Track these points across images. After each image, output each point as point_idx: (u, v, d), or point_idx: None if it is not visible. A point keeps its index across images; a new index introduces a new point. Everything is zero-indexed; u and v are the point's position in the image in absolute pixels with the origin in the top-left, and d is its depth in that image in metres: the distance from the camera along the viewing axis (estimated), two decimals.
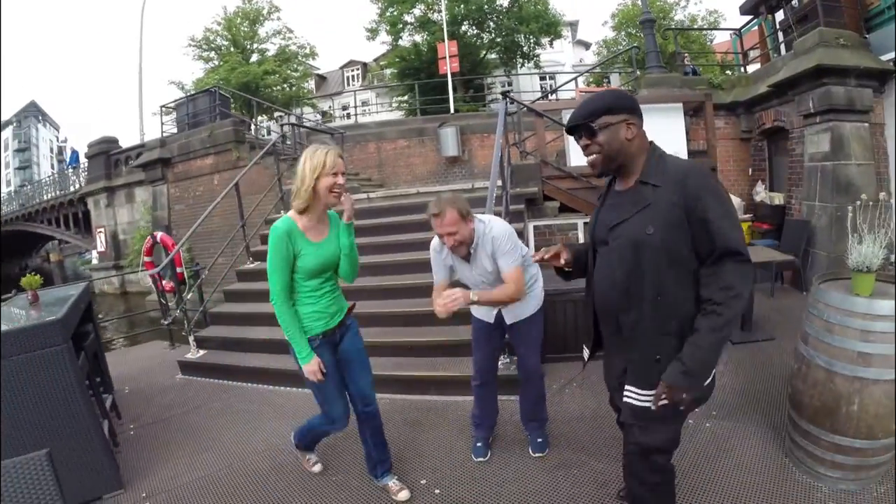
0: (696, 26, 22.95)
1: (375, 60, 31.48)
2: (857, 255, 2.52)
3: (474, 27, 22.51)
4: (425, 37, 22.12)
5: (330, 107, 30.30)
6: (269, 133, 19.61)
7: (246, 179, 6.88)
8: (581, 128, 1.87)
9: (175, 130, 13.58)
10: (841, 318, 2.46)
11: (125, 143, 17.06)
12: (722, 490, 2.68)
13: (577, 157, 5.46)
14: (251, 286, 6.19)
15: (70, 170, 21.34)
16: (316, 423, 2.92)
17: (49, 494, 1.82)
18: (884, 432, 2.42)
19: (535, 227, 6.21)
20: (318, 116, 26.07)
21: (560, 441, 3.34)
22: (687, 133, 6.81)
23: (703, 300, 1.77)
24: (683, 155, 6.52)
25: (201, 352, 5.51)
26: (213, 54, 25.41)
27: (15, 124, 56.00)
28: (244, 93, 18.62)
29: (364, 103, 19.83)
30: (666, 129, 6.51)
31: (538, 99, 13.04)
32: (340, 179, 2.44)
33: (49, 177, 25.89)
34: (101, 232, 17.10)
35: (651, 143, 1.91)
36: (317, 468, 3.17)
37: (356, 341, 2.82)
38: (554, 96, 13.68)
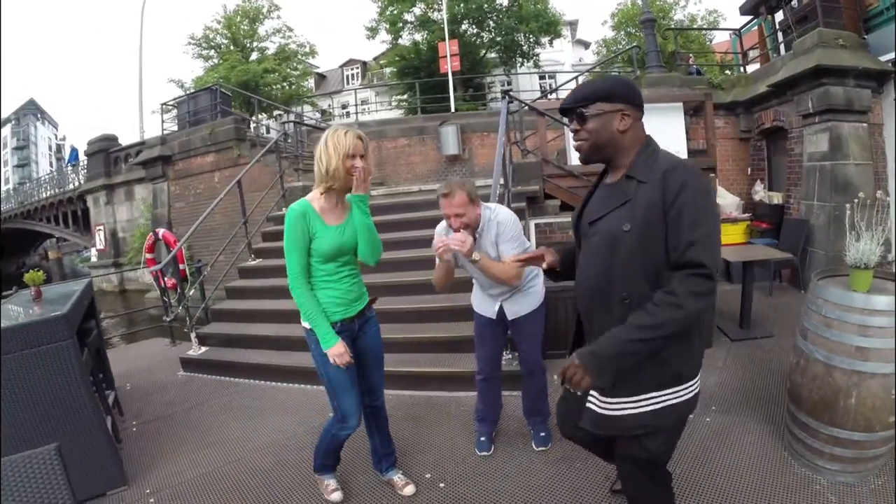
0: (695, 26, 22.98)
1: (375, 59, 31.52)
2: (855, 252, 2.56)
3: (474, 26, 22.56)
4: (425, 36, 22.17)
5: (329, 105, 30.33)
6: (268, 131, 19.64)
7: (247, 177, 6.91)
8: (572, 111, 1.79)
9: (175, 128, 13.60)
10: (839, 313, 2.49)
11: (125, 141, 17.10)
12: (722, 483, 2.71)
13: (577, 155, 5.49)
14: (253, 283, 6.22)
15: (69, 167, 21.35)
16: (328, 430, 2.74)
17: (58, 488, 1.84)
18: (881, 425, 2.46)
19: (537, 225, 6.24)
20: (318, 115, 26.08)
21: (556, 436, 3.35)
22: (687, 132, 6.84)
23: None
24: (684, 154, 6.56)
25: (203, 348, 5.51)
26: (212, 52, 25.42)
27: (13, 122, 55.95)
28: (244, 91, 18.62)
29: (363, 102, 19.81)
30: (666, 129, 6.54)
31: (538, 98, 13.07)
32: (358, 162, 2.36)
33: (48, 174, 25.89)
34: (100, 230, 17.11)
35: (648, 137, 1.81)
36: (336, 497, 2.86)
37: (377, 338, 2.76)
38: (554, 95, 13.70)
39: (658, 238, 1.64)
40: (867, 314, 2.41)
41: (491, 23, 22.45)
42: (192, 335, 5.60)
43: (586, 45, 33.84)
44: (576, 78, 15.82)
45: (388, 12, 22.60)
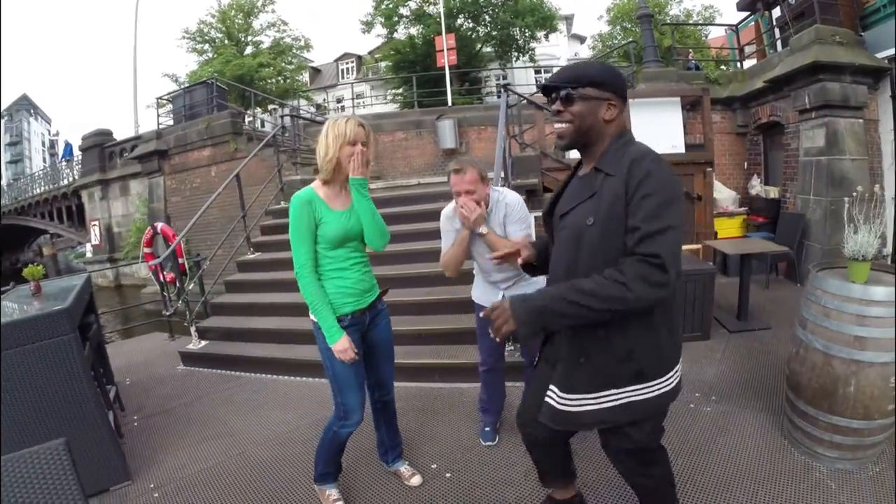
0: (692, 21, 23.03)
1: (370, 53, 31.43)
2: (854, 244, 2.61)
3: (469, 20, 22.51)
4: (420, 30, 22.11)
5: (324, 99, 30.26)
6: (263, 125, 19.58)
7: (244, 171, 6.90)
8: (557, 90, 1.69)
9: (171, 122, 13.55)
10: (838, 303, 2.54)
11: (119, 136, 17.02)
12: (723, 470, 2.76)
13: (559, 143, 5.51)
14: (252, 276, 6.23)
15: (64, 163, 21.21)
16: (329, 428, 2.64)
17: (67, 483, 1.85)
18: (879, 413, 2.51)
19: (536, 218, 6.27)
20: (313, 109, 26.03)
21: None
22: (684, 127, 6.90)
23: None
24: (681, 148, 6.62)
25: (203, 342, 5.51)
26: (207, 47, 25.30)
27: (6, 118, 55.53)
28: (239, 84, 18.56)
29: (359, 96, 19.77)
30: (663, 123, 6.61)
31: (536, 92, 13.07)
32: (359, 149, 2.34)
33: (42, 170, 25.73)
34: (95, 225, 17.02)
35: (624, 129, 1.74)
36: None
37: (388, 331, 2.71)
38: None
39: (620, 231, 1.59)
40: (865, 304, 2.46)
41: (487, 17, 22.40)
42: (192, 329, 5.59)
43: (582, 39, 33.86)
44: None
45: (383, 6, 22.51)
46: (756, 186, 7.99)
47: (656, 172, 1.57)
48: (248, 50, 25.20)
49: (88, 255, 18.37)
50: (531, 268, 2.08)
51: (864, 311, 2.46)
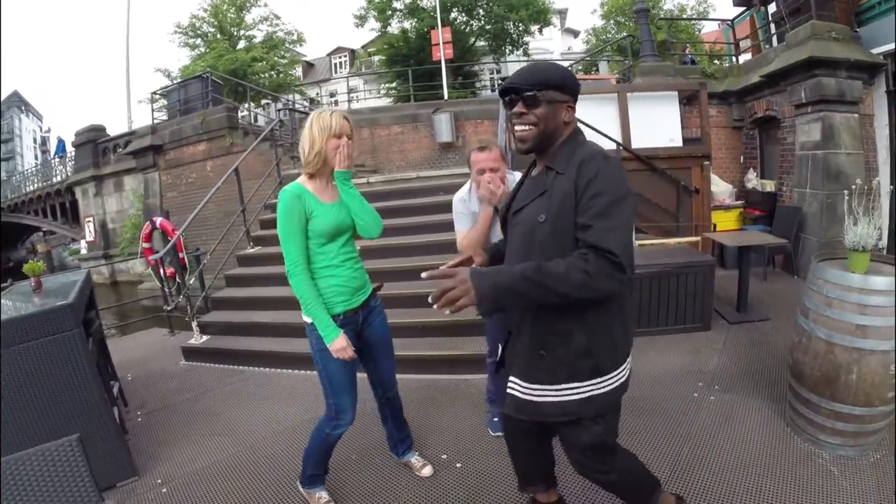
0: (687, 16, 23.07)
1: (363, 47, 31.32)
2: (853, 236, 2.67)
3: (463, 14, 22.48)
4: (414, 24, 22.06)
5: (318, 94, 30.13)
6: (256, 120, 19.51)
7: (242, 165, 6.90)
8: (521, 92, 1.69)
9: (165, 117, 13.46)
10: (839, 293, 2.60)
11: (112, 131, 16.89)
12: (728, 458, 2.81)
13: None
14: (252, 270, 6.24)
15: (57, 159, 21.05)
16: (320, 429, 2.60)
17: (81, 478, 1.86)
18: (880, 400, 2.57)
19: None
20: (307, 103, 25.94)
21: None
22: (681, 121, 6.94)
23: None
24: (678, 142, 6.66)
25: (204, 337, 5.51)
26: (199, 41, 25.12)
27: None
28: (233, 78, 18.46)
29: (352, 90, 19.70)
30: (661, 117, 6.65)
31: None
32: (345, 141, 2.34)
33: (34, 167, 25.51)
34: (89, 221, 16.91)
35: (576, 129, 1.78)
36: None
37: (384, 328, 2.67)
38: None
39: (570, 228, 1.62)
40: (865, 294, 2.52)
41: (480, 10, 22.39)
42: (194, 324, 5.58)
43: (575, 33, 33.83)
44: (571, 66, 15.87)
45: (376, 0, 22.46)
46: (752, 180, 8.06)
47: (605, 171, 1.60)
48: (241, 44, 25.02)
49: (83, 251, 18.27)
50: None
51: (864, 301, 2.52)
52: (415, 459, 3.00)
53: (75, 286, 3.45)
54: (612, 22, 25.09)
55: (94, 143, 16.35)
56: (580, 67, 18.13)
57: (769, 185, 7.71)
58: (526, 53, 24.16)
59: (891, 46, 6.34)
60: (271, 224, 6.80)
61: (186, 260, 6.37)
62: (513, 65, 24.40)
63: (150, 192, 13.04)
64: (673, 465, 2.80)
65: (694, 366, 4.06)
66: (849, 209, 2.81)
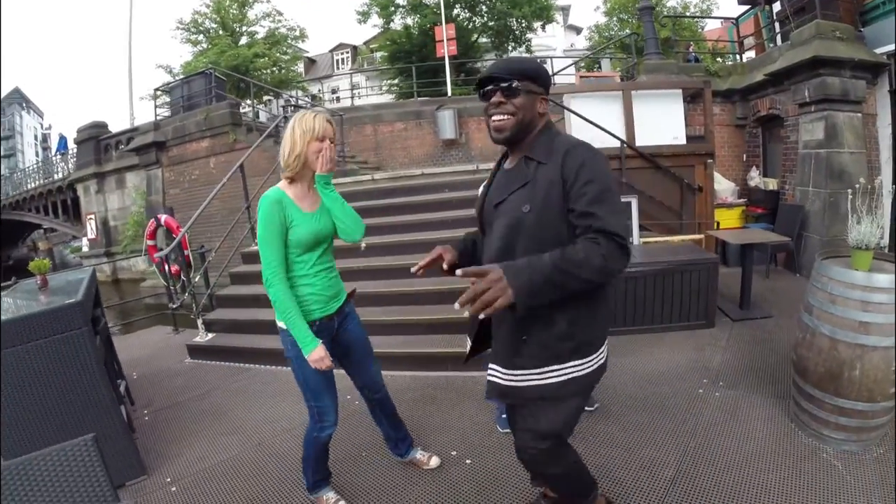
0: (690, 14, 23.03)
1: (366, 43, 31.28)
2: (857, 234, 2.71)
3: (466, 10, 22.43)
4: (417, 20, 22.01)
5: (320, 90, 30.11)
6: (258, 116, 19.50)
7: (246, 161, 6.89)
8: (500, 82, 1.71)
9: (168, 114, 13.46)
10: (843, 290, 2.64)
11: (114, 128, 16.90)
12: (733, 454, 2.85)
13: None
14: (257, 268, 6.18)
15: (58, 156, 21.06)
16: (309, 434, 2.59)
17: (97, 477, 1.88)
18: (882, 396, 2.60)
19: None
20: (309, 99, 25.93)
21: None
22: (685, 119, 6.96)
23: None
24: (682, 140, 6.68)
25: (210, 335, 5.52)
26: (201, 37, 25.06)
27: None
28: (236, 74, 18.43)
29: (354, 87, 19.70)
30: (665, 115, 6.66)
31: None
32: (328, 144, 2.29)
33: (35, 164, 25.52)
34: (91, 218, 16.92)
35: (549, 121, 1.81)
36: None
37: (360, 331, 2.65)
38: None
39: (557, 218, 1.64)
40: (868, 291, 2.55)
41: (483, 7, 22.32)
42: (199, 322, 5.59)
43: (578, 30, 33.81)
44: (574, 63, 15.90)
45: None
46: (755, 178, 8.08)
47: (592, 159, 1.64)
48: (243, 40, 24.94)
49: (84, 249, 18.26)
50: (453, 269, 1.94)
51: (867, 298, 2.55)
52: (419, 455, 3.01)
53: (82, 284, 3.45)
54: (614, 19, 25.02)
55: (95, 139, 16.36)
56: (583, 64, 18.15)
57: (772, 184, 7.74)
58: (529, 50, 24.11)
59: (894, 46, 6.35)
60: None
61: (191, 257, 6.37)
62: None
63: (152, 188, 13.06)
64: (679, 460, 2.83)
65: (698, 362, 4.09)
66: (852, 208, 2.84)
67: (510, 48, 23.46)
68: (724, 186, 7.97)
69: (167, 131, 12.46)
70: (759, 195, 7.82)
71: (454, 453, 3.13)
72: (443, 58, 15.71)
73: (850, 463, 2.66)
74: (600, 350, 1.83)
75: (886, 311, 2.51)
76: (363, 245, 5.48)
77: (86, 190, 16.96)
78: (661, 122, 6.59)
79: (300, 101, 19.71)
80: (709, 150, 6.78)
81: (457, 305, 1.39)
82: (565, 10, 31.98)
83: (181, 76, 19.49)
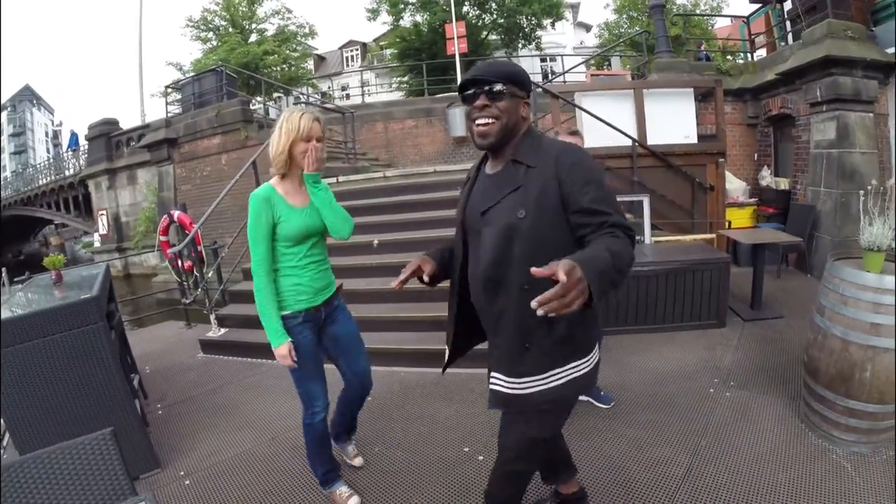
0: (701, 12, 22.89)
1: (375, 41, 31.28)
2: (869, 236, 2.70)
3: (476, 7, 22.38)
4: (426, 17, 21.98)
5: (329, 87, 30.15)
6: (268, 113, 19.57)
7: (257, 158, 6.95)
8: (485, 85, 1.67)
9: (179, 111, 13.54)
10: (854, 291, 2.64)
11: (124, 125, 17.02)
12: (743, 454, 2.86)
13: (589, 138, 5.55)
14: None
15: (70, 152, 21.23)
16: (305, 424, 2.63)
17: (115, 470, 1.92)
18: (893, 398, 2.59)
19: None
20: (318, 97, 25.99)
21: (587, 408, 3.49)
22: (696, 118, 6.95)
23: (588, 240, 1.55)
24: (694, 139, 6.68)
25: (222, 330, 5.54)
26: (211, 35, 25.17)
27: (9, 109, 55.56)
28: (246, 71, 18.50)
29: (364, 84, 19.71)
30: (676, 113, 6.66)
31: (546, 81, 13.08)
32: (315, 144, 2.33)
33: (46, 160, 25.72)
34: (102, 214, 17.07)
35: (531, 125, 1.79)
36: (353, 501, 2.71)
37: (349, 325, 2.70)
38: (561, 78, 13.71)
39: (554, 222, 1.62)
40: (880, 293, 2.55)
41: (493, 4, 22.25)
42: (212, 317, 5.62)
43: (588, 27, 33.66)
44: (585, 61, 15.85)
45: None
46: (766, 177, 8.06)
47: (585, 160, 1.65)
48: (253, 38, 25.03)
49: (96, 244, 18.43)
50: (433, 280, 1.95)
51: (879, 300, 2.55)
52: (351, 448, 3.09)
53: (97, 279, 3.49)
54: (624, 17, 24.89)
55: (107, 136, 16.50)
56: (593, 62, 18.08)
57: (783, 183, 7.71)
58: (538, 48, 24.04)
59: None
60: None
61: (204, 253, 6.42)
62: (525, 59, 24.34)
63: (164, 185, 13.15)
64: (690, 460, 2.85)
65: (709, 362, 4.10)
66: (864, 209, 2.84)
67: (520, 45, 23.39)
68: (735, 186, 7.95)
69: (178, 128, 12.54)
70: (770, 195, 7.80)
71: (466, 449, 3.15)
72: (453, 55, 15.70)
73: (859, 465, 2.67)
74: (596, 347, 1.84)
75: None
76: (376, 242, 5.53)
77: (97, 186, 17.11)
78: (673, 120, 6.58)
79: (310, 98, 19.71)
80: (720, 149, 6.77)
81: (534, 304, 1.23)
82: (575, 7, 31.83)
83: (191, 73, 19.57)
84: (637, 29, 20.38)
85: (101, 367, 2.98)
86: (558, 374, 1.74)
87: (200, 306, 6.02)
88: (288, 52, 25.59)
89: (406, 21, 23.20)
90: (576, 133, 2.94)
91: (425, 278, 1.90)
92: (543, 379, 1.74)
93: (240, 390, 4.40)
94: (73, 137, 22.02)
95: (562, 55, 19.34)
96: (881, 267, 2.68)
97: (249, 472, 3.14)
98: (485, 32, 22.79)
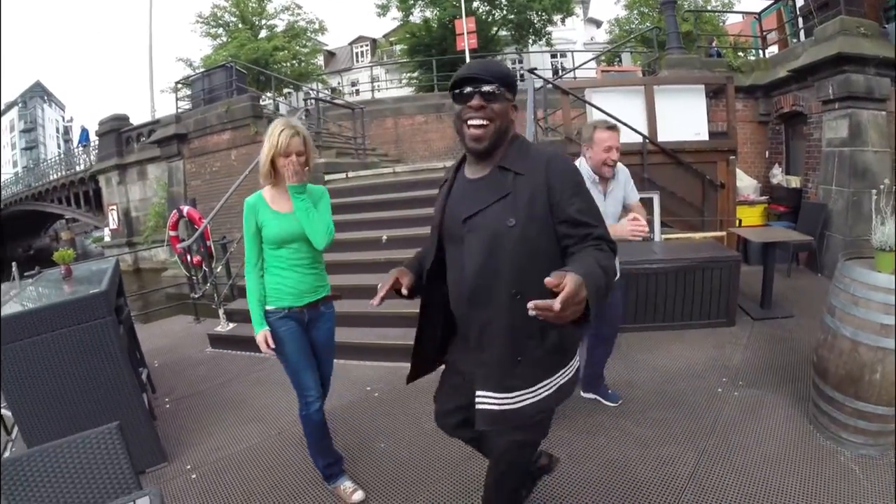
0: (712, 8, 22.69)
1: (385, 36, 31.26)
2: (881, 235, 2.66)
3: (486, 3, 22.28)
4: (436, 13, 21.92)
5: (339, 83, 30.16)
6: (278, 109, 19.61)
7: None
8: (482, 84, 1.61)
9: (189, 106, 13.58)
10: (865, 292, 2.60)
11: (134, 121, 17.12)
12: (750, 454, 2.84)
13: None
14: None
15: (80, 148, 21.38)
16: (301, 416, 2.71)
17: (120, 464, 1.94)
18: None
19: None
20: (328, 92, 25.99)
21: (595, 405, 3.51)
22: (707, 114, 6.89)
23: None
24: (704, 136, 6.63)
25: (231, 324, 5.57)
26: (221, 31, 25.20)
27: (20, 105, 56.11)
28: (256, 67, 18.54)
29: (374, 79, 19.71)
30: (687, 110, 6.61)
31: (556, 77, 13.02)
32: (294, 159, 2.44)
33: (57, 156, 25.92)
34: (113, 209, 17.19)
35: (516, 131, 1.74)
36: (358, 497, 2.75)
37: (327, 335, 2.77)
38: (571, 74, 13.64)
39: (542, 229, 1.60)
40: (892, 294, 2.51)
41: (503, 0, 22.18)
42: (221, 312, 5.65)
43: (598, 23, 33.42)
44: (595, 57, 15.76)
45: None
46: (777, 175, 7.98)
47: (571, 169, 1.66)
48: (263, 34, 25.03)
49: (106, 239, 18.58)
50: (413, 293, 1.87)
51: (890, 300, 2.51)
52: (348, 483, 3.00)
53: (106, 274, 3.51)
54: (635, 12, 24.75)
55: (117, 132, 16.61)
56: (604, 58, 17.98)
57: (794, 181, 7.64)
58: (549, 44, 23.92)
59: None
60: None
61: (213, 248, 6.45)
62: (535, 55, 24.25)
63: (174, 180, 13.20)
64: (697, 459, 2.84)
65: (718, 361, 4.08)
66: (876, 208, 2.80)
67: (530, 41, 23.28)
68: (746, 183, 7.88)
69: (188, 124, 12.56)
70: (781, 193, 7.73)
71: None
72: (463, 51, 15.66)
73: (867, 467, 2.64)
74: (576, 353, 1.83)
75: None
76: (385, 238, 5.53)
77: (108, 181, 17.23)
78: (684, 117, 6.54)
79: (320, 94, 19.72)
80: (731, 146, 6.71)
81: (531, 304, 1.21)
82: (585, 2, 31.61)
83: (201, 69, 19.62)
84: (648, 25, 20.26)
85: (109, 361, 3.01)
86: (548, 384, 1.72)
87: (209, 301, 6.05)
88: (298, 47, 25.55)
89: (416, 17, 23.14)
90: (614, 128, 2.92)
91: (404, 291, 1.83)
92: (535, 391, 1.70)
93: (247, 385, 4.42)
94: (84, 133, 22.17)
95: (572, 51, 19.25)
96: (893, 267, 2.63)
97: (256, 466, 3.16)
98: (495, 28, 22.68)
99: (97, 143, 18.06)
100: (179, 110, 13.38)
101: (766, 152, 8.58)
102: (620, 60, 22.36)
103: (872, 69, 6.28)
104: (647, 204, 5.36)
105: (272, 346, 2.53)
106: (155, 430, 3.35)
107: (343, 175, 8.07)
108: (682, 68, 8.48)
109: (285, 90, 23.15)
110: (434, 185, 6.52)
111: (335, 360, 4.29)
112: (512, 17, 22.31)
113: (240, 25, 24.72)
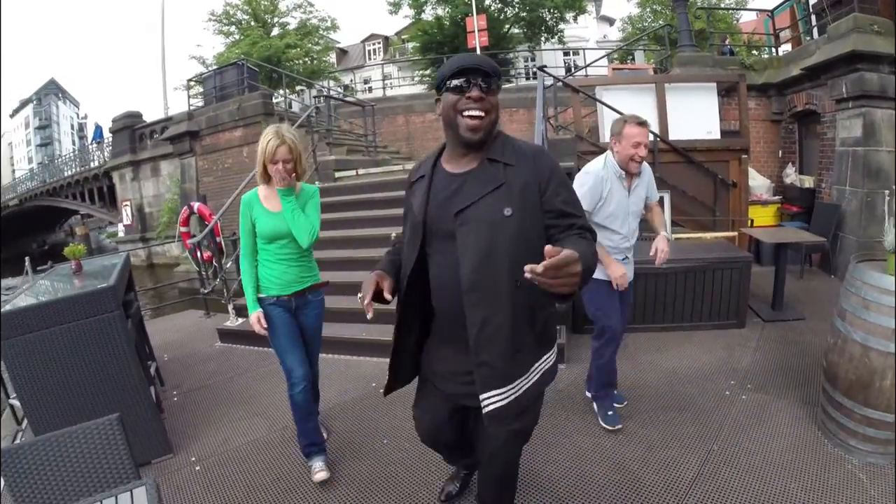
0: (725, 5, 22.47)
1: (397, 34, 31.27)
2: (893, 238, 2.59)
3: (497, 1, 22.21)
4: (448, 10, 21.88)
5: (351, 80, 30.20)
6: (290, 106, 19.70)
7: None
8: (483, 76, 1.62)
9: (201, 104, 13.66)
10: (877, 296, 2.55)
11: (147, 118, 17.29)
12: (756, 458, 2.81)
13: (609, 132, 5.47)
14: None
15: (94, 145, 21.61)
16: (289, 398, 2.85)
17: (120, 455, 1.96)
18: None
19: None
20: (340, 90, 26.04)
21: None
22: (719, 113, 6.83)
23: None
24: (716, 134, 6.57)
25: (240, 319, 5.59)
26: (233, 28, 25.30)
27: (35, 102, 56.78)
28: (268, 65, 18.61)
29: (386, 77, 19.75)
30: (699, 108, 6.56)
31: (568, 75, 12.97)
32: (280, 167, 2.65)
33: (73, 152, 26.22)
34: (126, 205, 17.39)
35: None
36: (319, 477, 2.85)
37: (314, 320, 3.02)
38: (583, 72, 13.58)
39: (535, 219, 1.66)
40: None
41: None
42: (230, 307, 5.69)
43: (611, 21, 33.22)
44: (607, 55, 15.66)
45: None
46: (790, 175, 7.88)
47: (556, 163, 1.75)
48: (275, 31, 25.09)
49: (120, 234, 18.79)
50: (394, 296, 1.86)
51: None
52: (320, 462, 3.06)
53: (115, 269, 3.55)
54: (648, 10, 24.56)
55: (130, 129, 16.79)
56: (616, 56, 17.86)
57: (808, 181, 7.54)
58: (561, 41, 23.80)
59: None
60: None
61: (223, 244, 6.50)
62: (548, 53, 24.14)
63: (186, 176, 13.29)
64: (702, 461, 2.81)
65: (727, 363, 4.04)
66: (889, 210, 2.75)
67: (542, 39, 23.17)
68: (758, 183, 7.79)
69: (201, 121, 12.64)
70: (794, 193, 7.63)
71: None
72: (474, 49, 15.62)
73: (875, 476, 2.59)
74: (555, 344, 1.93)
75: None
76: (394, 235, 5.53)
77: (121, 177, 17.42)
78: (695, 115, 6.49)
79: (332, 91, 19.77)
80: (743, 145, 6.65)
81: (528, 268, 1.22)
82: (597, 0, 31.47)
83: (214, 67, 19.73)
84: (660, 23, 20.10)
85: (116, 354, 3.06)
86: (536, 368, 1.80)
87: (219, 296, 6.10)
88: (310, 45, 25.60)
89: (428, 14, 23.10)
90: (644, 124, 2.90)
91: (386, 296, 1.78)
92: (528, 376, 1.78)
93: (255, 379, 4.46)
94: (98, 130, 22.43)
95: (584, 49, 19.14)
96: None
97: (260, 459, 3.20)
98: (507, 26, 22.59)
99: (111, 139, 18.27)
100: (192, 107, 13.47)
101: (780, 151, 8.47)
102: (633, 58, 22.19)
103: (886, 67, 6.18)
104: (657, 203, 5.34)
105: (265, 325, 2.77)
106: (161, 422, 3.39)
107: (353, 172, 8.09)
108: (693, 66, 8.40)
109: (298, 87, 23.20)
110: None
111: (342, 357, 4.36)
112: (524, 14, 22.20)
113: (252, 23, 24.79)
